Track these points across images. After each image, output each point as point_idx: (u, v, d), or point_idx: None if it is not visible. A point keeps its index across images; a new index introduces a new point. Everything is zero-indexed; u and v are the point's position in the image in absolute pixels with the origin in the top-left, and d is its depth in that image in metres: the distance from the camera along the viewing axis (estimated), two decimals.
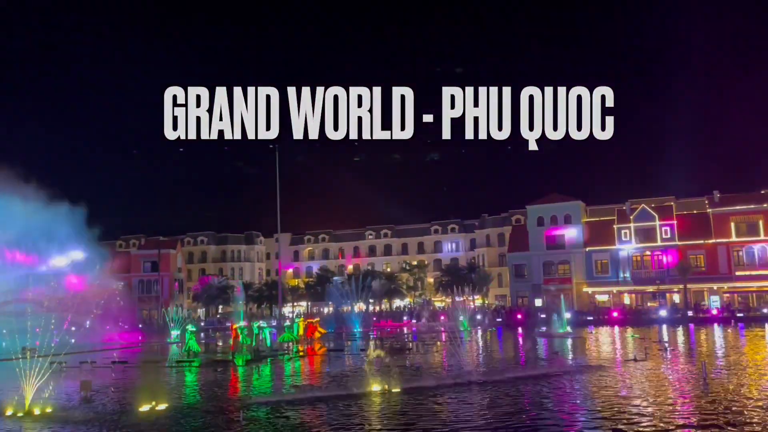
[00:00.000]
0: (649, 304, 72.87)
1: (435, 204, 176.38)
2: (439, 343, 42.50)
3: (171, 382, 26.28)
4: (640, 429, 13.99)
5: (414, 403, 18.02)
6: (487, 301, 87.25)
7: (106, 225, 74.88)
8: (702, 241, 73.38)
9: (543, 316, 59.63)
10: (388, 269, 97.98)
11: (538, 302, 77.74)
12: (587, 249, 78.65)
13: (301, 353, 37.06)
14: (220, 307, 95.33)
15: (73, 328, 47.12)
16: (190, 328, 40.57)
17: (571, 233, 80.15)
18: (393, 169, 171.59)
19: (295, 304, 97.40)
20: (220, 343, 50.38)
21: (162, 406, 18.33)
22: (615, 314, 65.78)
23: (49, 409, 17.86)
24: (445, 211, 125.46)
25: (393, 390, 19.90)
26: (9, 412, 17.60)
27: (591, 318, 65.63)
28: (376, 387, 20.04)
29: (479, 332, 54.26)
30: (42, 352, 20.01)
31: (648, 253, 75.78)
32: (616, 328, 54.62)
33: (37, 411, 17.63)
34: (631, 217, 76.69)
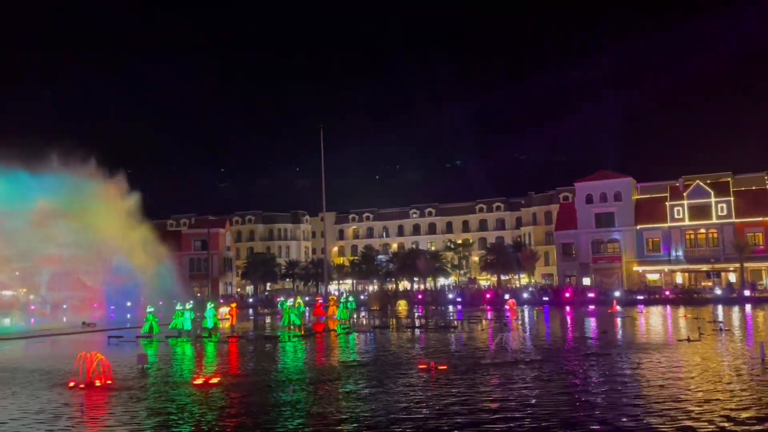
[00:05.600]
0: (702, 283, 70.75)
1: (479, 182, 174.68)
2: (484, 321, 42.31)
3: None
4: (691, 409, 13.66)
5: (460, 381, 18.02)
6: (533, 280, 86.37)
7: (157, 204, 77.10)
8: (760, 218, 70.61)
9: (591, 294, 58.72)
10: (433, 248, 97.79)
11: (586, 281, 76.50)
12: (638, 227, 76.68)
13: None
14: (268, 284, 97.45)
15: (129, 304, 49.15)
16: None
17: (620, 210, 78.27)
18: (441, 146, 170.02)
19: (341, 282, 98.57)
20: (269, 320, 51.59)
21: (215, 380, 18.87)
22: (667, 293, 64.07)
23: (109, 381, 18.60)
24: (490, 189, 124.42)
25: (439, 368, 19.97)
26: (71, 383, 18.41)
27: (641, 297, 64.15)
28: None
29: (526, 311, 53.86)
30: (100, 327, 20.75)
31: (702, 230, 73.40)
32: (668, 308, 53.26)
33: (98, 383, 18.36)
34: (685, 194, 74.24)
